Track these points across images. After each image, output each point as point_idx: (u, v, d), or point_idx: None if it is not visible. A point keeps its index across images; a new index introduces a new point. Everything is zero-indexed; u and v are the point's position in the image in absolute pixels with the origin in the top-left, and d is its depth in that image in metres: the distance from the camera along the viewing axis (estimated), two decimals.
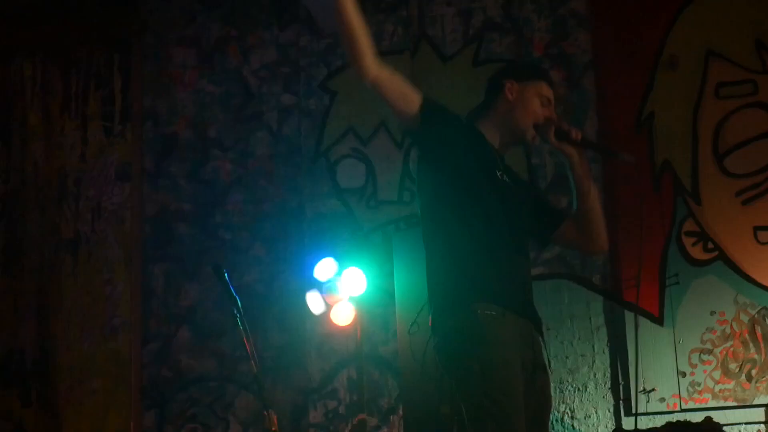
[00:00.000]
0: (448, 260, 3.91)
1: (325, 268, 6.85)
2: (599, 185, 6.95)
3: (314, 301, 6.82)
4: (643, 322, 6.67)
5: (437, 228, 3.97)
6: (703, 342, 6.65)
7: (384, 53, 7.41)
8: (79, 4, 8.13)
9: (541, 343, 3.99)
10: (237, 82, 7.90)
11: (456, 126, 3.97)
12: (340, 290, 6.79)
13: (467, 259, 3.86)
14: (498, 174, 3.99)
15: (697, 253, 6.78)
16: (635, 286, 6.68)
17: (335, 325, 6.89)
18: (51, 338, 7.82)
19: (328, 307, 6.81)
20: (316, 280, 6.86)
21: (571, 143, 4.06)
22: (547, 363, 4.01)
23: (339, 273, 6.81)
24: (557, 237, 4.26)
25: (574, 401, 6.79)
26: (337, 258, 6.87)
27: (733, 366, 6.60)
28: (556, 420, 6.74)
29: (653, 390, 6.60)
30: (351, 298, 6.78)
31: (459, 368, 3.80)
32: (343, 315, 6.80)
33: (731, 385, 6.57)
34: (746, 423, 6.48)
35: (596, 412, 6.74)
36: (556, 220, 4.24)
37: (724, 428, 5.65)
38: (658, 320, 6.69)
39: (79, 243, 7.90)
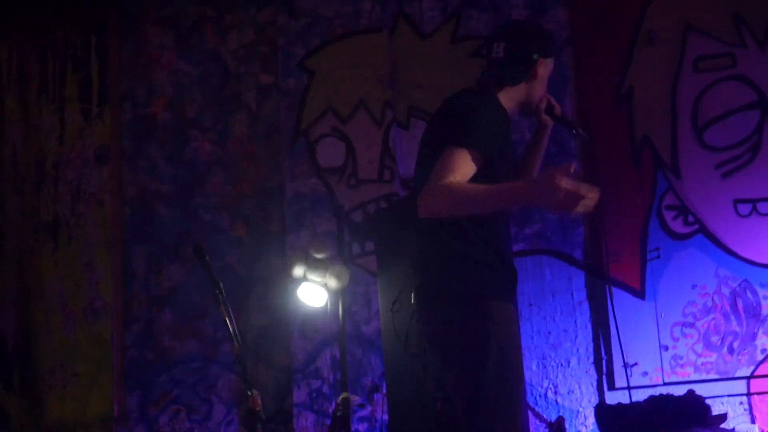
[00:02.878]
0: (447, 248, 3.87)
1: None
2: (577, 159, 7.00)
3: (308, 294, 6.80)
4: (625, 296, 6.69)
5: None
6: (684, 315, 6.67)
7: (362, 32, 7.54)
8: None
9: None
10: (215, 63, 7.88)
11: (499, 129, 3.89)
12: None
13: (472, 251, 3.83)
14: (509, 153, 3.98)
15: (677, 226, 6.80)
16: (616, 261, 6.71)
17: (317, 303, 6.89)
18: (32, 322, 7.80)
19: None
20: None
21: (553, 118, 4.10)
22: None
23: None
24: None
25: (557, 377, 6.81)
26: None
27: (714, 339, 6.62)
28: (540, 396, 6.76)
29: (636, 364, 6.63)
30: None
31: (472, 356, 3.78)
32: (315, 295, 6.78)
33: (713, 358, 6.60)
34: (728, 395, 6.52)
35: (579, 387, 6.76)
36: None
37: (707, 401, 5.67)
38: (640, 294, 6.71)
39: (59, 226, 7.88)
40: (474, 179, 3.73)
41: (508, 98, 4.01)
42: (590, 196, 3.47)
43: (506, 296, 3.83)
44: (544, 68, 4.04)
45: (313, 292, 6.66)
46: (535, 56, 4.01)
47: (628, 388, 6.55)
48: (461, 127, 3.77)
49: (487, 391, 3.73)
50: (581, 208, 3.48)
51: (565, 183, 3.43)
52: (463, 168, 3.69)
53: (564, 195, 3.45)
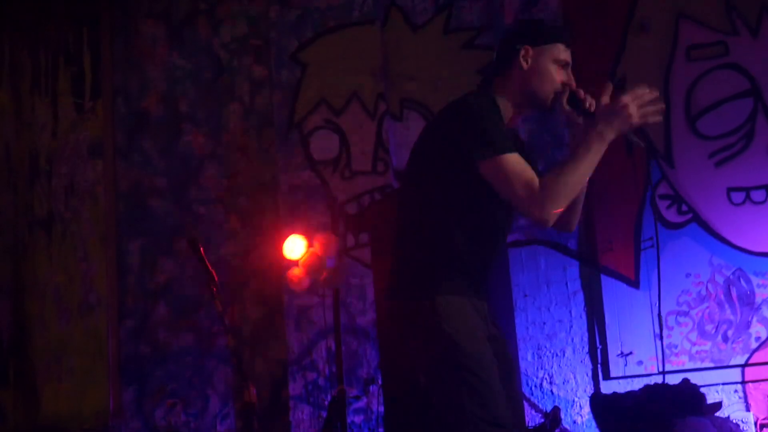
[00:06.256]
0: (418, 243, 3.86)
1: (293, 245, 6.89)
2: (570, 148, 6.99)
3: (296, 279, 6.85)
4: (620, 285, 6.70)
5: (419, 207, 3.89)
6: (679, 304, 6.68)
7: (354, 24, 7.53)
8: None
9: (490, 318, 3.97)
10: (208, 56, 7.87)
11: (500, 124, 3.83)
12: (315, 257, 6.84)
13: (437, 248, 3.82)
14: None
15: (671, 215, 6.80)
16: (610, 250, 6.72)
17: (312, 295, 6.92)
18: (27, 317, 7.80)
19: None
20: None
21: (582, 113, 3.87)
22: (500, 334, 4.00)
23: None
24: None
25: (552, 367, 6.81)
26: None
27: (709, 327, 6.63)
28: (535, 386, 6.77)
29: (630, 353, 6.64)
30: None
31: (424, 343, 3.78)
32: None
33: (708, 346, 6.61)
34: (723, 383, 6.52)
35: (574, 377, 6.77)
36: None
37: (702, 389, 5.69)
38: (634, 284, 6.72)
39: (53, 221, 7.88)
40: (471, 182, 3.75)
41: (504, 94, 3.94)
42: (650, 96, 3.69)
43: (460, 291, 3.81)
44: (537, 56, 3.90)
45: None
46: (518, 46, 3.93)
47: (624, 377, 6.57)
48: (480, 138, 3.73)
49: (446, 381, 3.72)
50: (653, 113, 3.69)
51: (628, 100, 3.67)
52: (519, 167, 3.69)
53: (635, 111, 3.66)
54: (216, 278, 4.77)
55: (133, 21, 8.02)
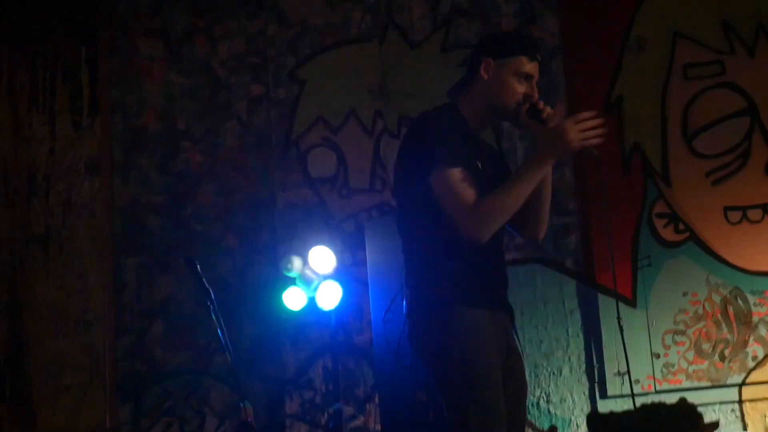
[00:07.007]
0: (425, 260, 3.92)
1: (291, 263, 6.88)
2: (569, 168, 7.01)
3: (292, 298, 6.84)
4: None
5: (415, 226, 3.96)
6: (676, 323, 6.68)
7: (351, 41, 7.54)
8: None
9: (514, 331, 4.01)
10: (205, 73, 7.87)
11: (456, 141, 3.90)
12: (313, 275, 6.83)
13: (444, 262, 3.86)
14: (478, 164, 3.96)
15: (668, 234, 6.81)
16: (609, 269, 6.71)
17: (309, 314, 6.92)
18: (24, 334, 7.78)
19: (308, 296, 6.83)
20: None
21: (542, 124, 3.91)
22: (520, 350, 4.04)
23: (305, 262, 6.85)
24: None
25: (549, 385, 6.81)
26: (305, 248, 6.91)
27: (706, 346, 6.63)
28: (532, 404, 6.76)
29: (627, 372, 6.62)
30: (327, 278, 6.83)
31: (438, 357, 3.82)
32: (329, 296, 6.81)
33: (705, 365, 6.61)
34: (720, 403, 6.53)
35: (571, 396, 6.76)
36: None
37: (699, 409, 5.67)
38: (631, 302, 6.71)
39: (50, 238, 7.86)
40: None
41: (467, 104, 4.02)
42: (592, 122, 3.78)
43: (476, 303, 3.83)
44: (498, 69, 3.96)
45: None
46: (480, 58, 4.00)
47: (621, 396, 6.56)
48: (432, 150, 3.82)
49: (456, 395, 3.77)
50: (594, 138, 3.78)
51: (568, 125, 3.75)
52: (459, 184, 3.76)
53: (575, 135, 3.74)
54: (213, 296, 4.77)
55: (131, 38, 8.02)
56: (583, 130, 3.74)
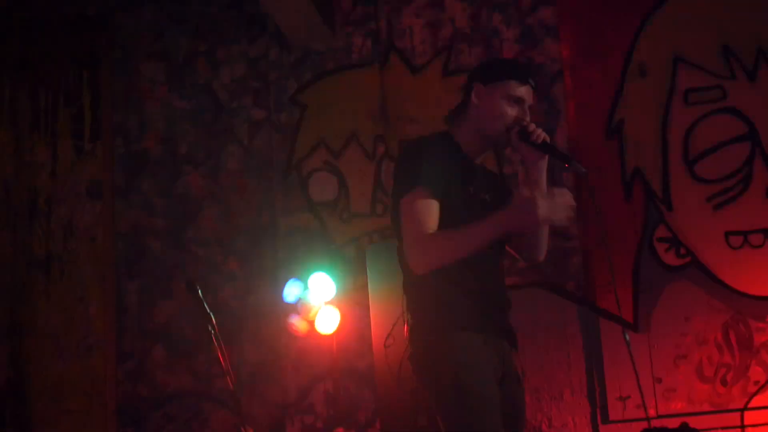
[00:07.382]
0: (421, 285, 3.94)
1: (292, 289, 6.90)
2: (573, 193, 7.00)
3: (296, 325, 6.86)
4: (618, 328, 6.69)
5: None
6: (677, 347, 6.67)
7: (353, 66, 7.56)
8: (46, 19, 8.11)
9: (515, 355, 4.02)
10: (207, 97, 7.89)
11: (443, 166, 3.94)
12: (313, 300, 6.85)
13: (438, 286, 3.88)
14: (470, 189, 3.97)
15: (669, 258, 6.80)
16: (611, 293, 6.70)
17: (311, 338, 6.92)
18: (25, 358, 7.77)
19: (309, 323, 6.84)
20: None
21: (531, 145, 3.97)
22: (521, 374, 4.04)
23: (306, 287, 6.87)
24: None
25: (550, 410, 6.79)
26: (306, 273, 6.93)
27: (707, 371, 6.62)
28: (534, 429, 6.74)
29: (629, 397, 6.61)
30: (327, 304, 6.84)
31: (433, 381, 3.83)
32: (328, 322, 6.83)
33: (706, 390, 6.60)
34: (722, 428, 6.51)
35: (573, 420, 6.75)
36: None
37: None
38: (633, 326, 6.70)
39: (52, 262, 7.86)
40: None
41: (462, 130, 4.07)
42: (566, 201, 3.77)
43: (470, 327, 3.84)
44: (485, 95, 4.02)
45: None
46: (471, 83, 4.06)
47: (623, 421, 6.54)
48: (407, 173, 3.90)
49: (452, 419, 3.79)
50: (562, 219, 3.78)
51: (539, 201, 3.73)
52: (425, 213, 3.81)
53: (544, 212, 3.72)
54: (214, 320, 4.77)
55: (133, 62, 8.04)
56: (554, 207, 3.74)
